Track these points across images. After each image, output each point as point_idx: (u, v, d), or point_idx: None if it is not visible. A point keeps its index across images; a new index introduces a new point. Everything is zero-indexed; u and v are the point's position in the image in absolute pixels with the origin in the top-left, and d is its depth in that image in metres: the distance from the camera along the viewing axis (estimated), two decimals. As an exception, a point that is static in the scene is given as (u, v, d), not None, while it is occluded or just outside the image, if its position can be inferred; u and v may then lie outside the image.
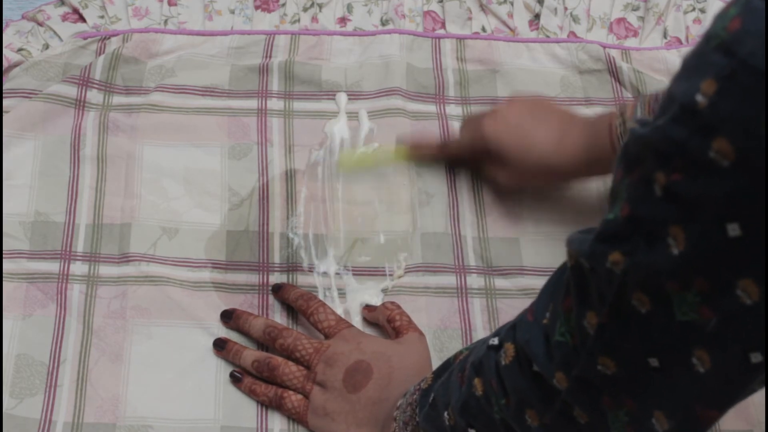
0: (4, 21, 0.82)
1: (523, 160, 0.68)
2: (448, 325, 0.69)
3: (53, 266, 0.69)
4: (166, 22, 0.83)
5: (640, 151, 0.38)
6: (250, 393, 0.65)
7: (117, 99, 0.78)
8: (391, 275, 0.71)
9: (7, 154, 0.73)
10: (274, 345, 0.65)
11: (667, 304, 0.37)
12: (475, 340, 0.67)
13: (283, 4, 0.85)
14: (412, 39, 0.83)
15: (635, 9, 0.87)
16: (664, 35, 0.86)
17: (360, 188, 0.75)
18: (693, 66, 0.36)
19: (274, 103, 0.79)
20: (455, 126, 0.78)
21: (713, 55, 0.34)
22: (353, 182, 0.75)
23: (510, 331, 0.49)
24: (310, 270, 0.70)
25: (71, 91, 0.77)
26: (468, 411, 0.51)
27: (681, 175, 0.35)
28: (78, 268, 0.69)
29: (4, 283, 0.68)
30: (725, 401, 0.40)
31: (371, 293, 0.70)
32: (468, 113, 0.79)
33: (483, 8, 0.86)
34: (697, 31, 0.86)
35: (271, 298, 0.69)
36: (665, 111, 0.37)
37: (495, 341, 0.50)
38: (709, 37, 0.35)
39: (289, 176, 0.75)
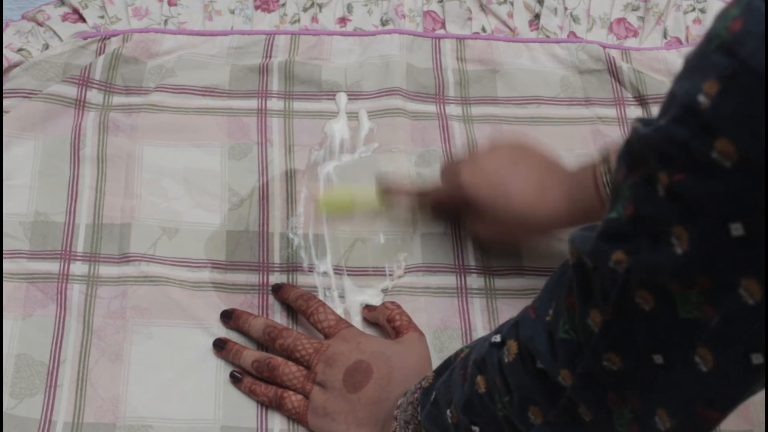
0: (4, 21, 0.82)
1: (501, 213, 0.64)
2: (448, 325, 0.69)
3: (53, 266, 0.69)
4: (166, 22, 0.83)
5: (642, 151, 0.38)
6: (250, 393, 0.65)
7: (117, 99, 0.78)
8: (391, 275, 0.71)
9: (7, 154, 0.73)
10: (274, 345, 0.65)
11: (671, 302, 0.37)
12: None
13: (283, 4, 0.85)
14: (412, 39, 0.83)
15: (635, 9, 0.87)
16: (664, 35, 0.86)
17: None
18: (695, 66, 0.36)
19: (274, 103, 0.79)
20: (455, 126, 0.78)
21: (715, 55, 0.34)
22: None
23: (512, 329, 0.49)
24: (310, 270, 0.70)
25: (71, 91, 0.77)
26: (471, 409, 0.51)
27: (684, 176, 0.35)
28: (78, 268, 0.69)
29: (4, 283, 0.68)
30: (727, 402, 0.40)
31: (371, 293, 0.70)
32: (466, 114, 0.79)
33: (483, 8, 0.86)
34: (697, 31, 0.86)
35: (271, 298, 0.69)
36: (667, 111, 0.37)
37: (497, 338, 0.50)
38: (710, 38, 0.35)
39: (289, 176, 0.75)
